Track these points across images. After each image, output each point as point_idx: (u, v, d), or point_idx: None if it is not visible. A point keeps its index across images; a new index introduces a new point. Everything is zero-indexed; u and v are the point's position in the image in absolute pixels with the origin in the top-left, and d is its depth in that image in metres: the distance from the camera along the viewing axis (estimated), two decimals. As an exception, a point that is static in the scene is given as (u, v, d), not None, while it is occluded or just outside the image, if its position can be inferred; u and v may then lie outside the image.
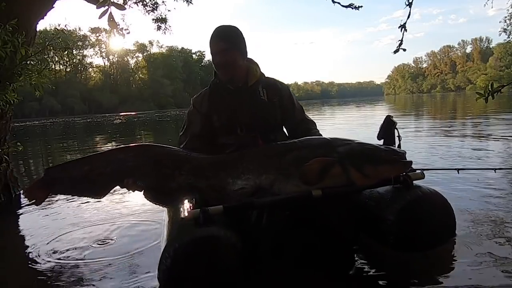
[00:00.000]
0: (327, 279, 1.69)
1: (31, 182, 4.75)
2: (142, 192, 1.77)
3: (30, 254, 2.20)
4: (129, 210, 3.01)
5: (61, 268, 1.95)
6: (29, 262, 2.08)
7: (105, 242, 2.28)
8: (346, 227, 1.83)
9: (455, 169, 2.20)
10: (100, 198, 1.82)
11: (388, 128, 2.01)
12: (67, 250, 2.19)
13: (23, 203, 3.44)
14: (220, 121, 2.02)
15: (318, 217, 1.78)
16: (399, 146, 1.96)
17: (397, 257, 1.80)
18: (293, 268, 1.75)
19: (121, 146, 1.97)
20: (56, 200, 3.52)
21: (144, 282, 1.73)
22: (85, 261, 2.02)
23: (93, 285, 1.74)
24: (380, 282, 1.65)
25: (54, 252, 2.16)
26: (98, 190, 1.76)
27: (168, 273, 1.51)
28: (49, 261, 2.04)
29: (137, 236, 2.36)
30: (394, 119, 2.03)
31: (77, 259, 2.04)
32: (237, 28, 2.04)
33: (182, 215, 1.68)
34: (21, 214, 3.13)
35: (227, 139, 2.01)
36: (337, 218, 1.79)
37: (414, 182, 1.85)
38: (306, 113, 2.24)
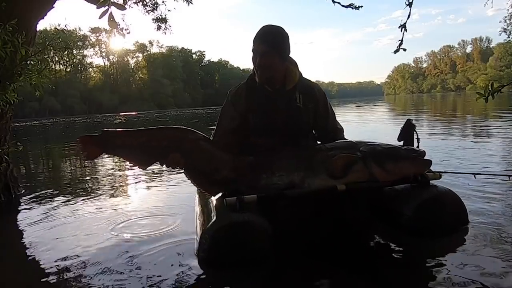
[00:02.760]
0: (343, 263, 1.81)
1: (30, 182, 4.75)
2: (183, 170, 2.00)
3: (30, 254, 2.19)
4: (130, 209, 3.01)
5: (62, 268, 1.93)
6: (29, 262, 2.07)
7: (108, 240, 2.27)
8: (361, 218, 2.04)
9: (472, 173, 2.27)
10: (144, 168, 1.96)
11: (408, 131, 2.14)
12: (68, 250, 2.17)
13: (23, 203, 3.44)
14: (254, 122, 2.10)
15: (338, 209, 1.99)
16: (417, 147, 2.09)
17: (411, 243, 1.94)
18: (313, 254, 1.90)
19: (179, 126, 2.11)
20: (57, 200, 3.52)
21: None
22: (88, 261, 1.99)
23: (96, 285, 1.74)
24: (394, 265, 1.77)
25: (55, 252, 2.14)
26: (146, 160, 1.92)
27: (207, 253, 1.73)
28: (50, 262, 2.02)
29: (143, 231, 2.36)
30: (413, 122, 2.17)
31: (79, 259, 2.02)
32: (282, 30, 2.08)
33: (219, 202, 1.87)
34: (21, 214, 3.12)
35: (259, 139, 2.10)
36: (353, 210, 2.00)
37: (432, 181, 1.99)
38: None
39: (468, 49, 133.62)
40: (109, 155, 2.07)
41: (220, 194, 1.89)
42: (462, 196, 2.09)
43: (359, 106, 28.59)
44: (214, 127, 2.25)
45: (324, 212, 2.02)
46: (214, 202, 1.96)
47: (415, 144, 2.11)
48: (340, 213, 2.03)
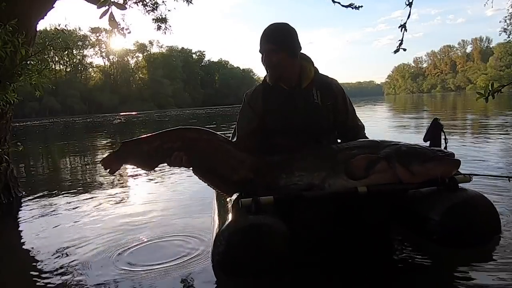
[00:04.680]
0: (364, 269, 1.76)
1: (31, 182, 4.75)
2: (193, 170, 1.96)
3: (30, 255, 2.19)
4: (135, 207, 3.01)
5: (63, 270, 1.92)
6: (29, 263, 2.07)
7: (112, 240, 2.26)
8: (380, 222, 1.93)
9: (506, 176, 2.16)
10: (149, 170, 2.01)
11: (435, 131, 2.05)
12: (70, 251, 2.17)
13: (23, 204, 3.44)
14: (273, 123, 2.04)
15: (358, 212, 1.89)
16: (445, 148, 2.00)
17: (436, 252, 1.83)
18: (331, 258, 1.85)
19: (193, 127, 2.11)
20: (58, 200, 3.52)
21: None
22: (90, 262, 1.98)
23: (97, 285, 1.73)
24: (416, 275, 1.68)
25: (55, 254, 2.14)
26: (154, 163, 1.94)
27: (222, 256, 1.65)
28: (50, 263, 2.02)
29: (150, 232, 2.35)
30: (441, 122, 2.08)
31: (81, 261, 2.01)
32: (288, 27, 2.03)
33: (234, 204, 1.81)
34: (22, 214, 3.12)
35: (278, 140, 2.03)
36: (372, 214, 1.89)
37: (461, 185, 1.87)
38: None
39: (468, 49, 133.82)
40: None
41: (235, 195, 1.85)
42: (494, 201, 1.95)
43: (359, 106, 28.58)
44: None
45: (343, 215, 1.92)
46: (230, 203, 1.91)
47: (443, 145, 2.01)
48: (360, 217, 1.92)
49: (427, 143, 2.06)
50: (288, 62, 2.00)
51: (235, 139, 2.11)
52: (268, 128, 2.05)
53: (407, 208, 1.99)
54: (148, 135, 2.00)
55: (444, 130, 2.05)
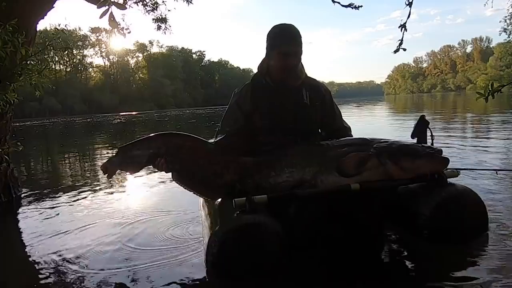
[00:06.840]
0: (355, 268, 1.77)
1: (30, 182, 4.75)
2: (173, 177, 1.97)
3: (30, 255, 2.19)
4: (132, 210, 3.01)
5: (63, 269, 1.93)
6: (29, 263, 2.07)
7: (109, 241, 2.27)
8: (373, 220, 1.94)
9: (493, 169, 2.19)
10: (133, 173, 2.09)
11: (421, 127, 2.09)
12: (69, 251, 2.17)
13: (23, 203, 3.44)
14: (261, 121, 2.04)
15: (351, 210, 1.89)
16: (431, 144, 2.04)
17: (428, 248, 1.86)
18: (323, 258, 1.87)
19: (180, 132, 2.14)
20: (58, 200, 3.52)
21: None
22: (89, 262, 1.99)
23: (96, 286, 1.74)
24: (410, 273, 1.71)
25: (55, 253, 2.14)
26: (139, 166, 2.01)
27: (216, 257, 1.63)
28: (50, 262, 2.02)
29: (145, 233, 2.36)
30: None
31: (80, 260, 2.01)
32: (297, 29, 2.04)
33: (227, 204, 1.79)
34: (22, 214, 3.12)
35: (267, 138, 2.03)
36: (365, 212, 1.89)
37: (449, 180, 1.91)
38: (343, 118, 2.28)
39: (468, 49, 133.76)
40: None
41: (227, 195, 1.84)
42: (481, 194, 2.00)
43: (359, 106, 28.57)
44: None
45: (335, 213, 1.92)
46: (222, 204, 1.90)
47: (429, 141, 2.06)
48: (352, 214, 1.93)
49: (414, 140, 2.09)
50: (298, 65, 2.03)
51: (220, 137, 2.08)
52: (256, 126, 2.05)
53: (397, 204, 2.02)
54: (138, 139, 2.06)
55: (430, 127, 2.08)
